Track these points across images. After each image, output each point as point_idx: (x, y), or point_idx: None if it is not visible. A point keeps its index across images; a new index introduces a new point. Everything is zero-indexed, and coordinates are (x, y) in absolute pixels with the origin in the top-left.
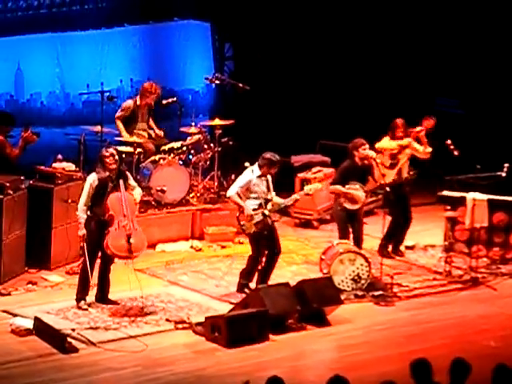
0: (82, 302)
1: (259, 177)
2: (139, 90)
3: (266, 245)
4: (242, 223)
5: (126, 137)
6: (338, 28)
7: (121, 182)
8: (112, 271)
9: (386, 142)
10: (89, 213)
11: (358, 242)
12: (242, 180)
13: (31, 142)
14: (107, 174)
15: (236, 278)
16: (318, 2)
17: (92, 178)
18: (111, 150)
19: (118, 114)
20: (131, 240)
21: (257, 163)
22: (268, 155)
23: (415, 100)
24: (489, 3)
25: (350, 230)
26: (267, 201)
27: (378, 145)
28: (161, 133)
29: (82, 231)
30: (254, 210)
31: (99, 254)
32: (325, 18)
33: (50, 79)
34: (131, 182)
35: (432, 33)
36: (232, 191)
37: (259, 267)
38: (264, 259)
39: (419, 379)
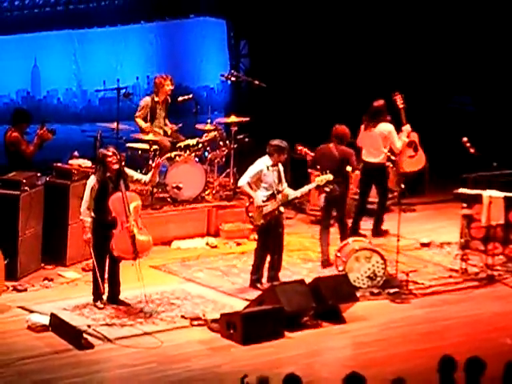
0: (98, 301)
1: (271, 166)
2: (154, 88)
3: (272, 238)
4: (250, 214)
5: (148, 135)
6: (355, 24)
7: (121, 182)
8: (125, 268)
9: (400, 140)
10: (93, 215)
11: (342, 225)
12: (253, 169)
13: (47, 139)
14: (107, 174)
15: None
16: (333, 2)
17: (92, 181)
18: (112, 149)
19: (138, 113)
20: (136, 240)
21: (267, 153)
22: (275, 141)
23: (429, 99)
24: (499, 3)
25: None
26: (278, 192)
27: (399, 145)
28: (173, 126)
29: (88, 235)
30: (264, 201)
31: (107, 254)
32: (340, 15)
33: (67, 76)
34: (136, 175)
35: (441, 32)
36: (243, 181)
37: (268, 262)
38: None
39: (444, 375)
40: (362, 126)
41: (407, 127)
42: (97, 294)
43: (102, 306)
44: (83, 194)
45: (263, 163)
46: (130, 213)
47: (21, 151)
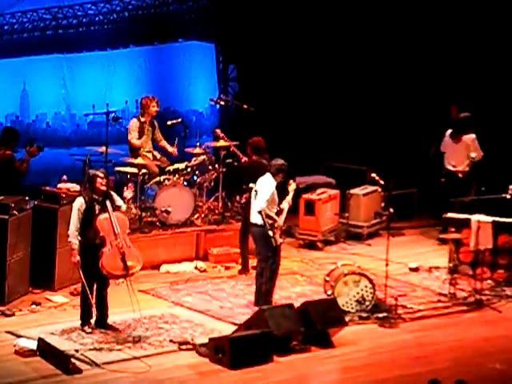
0: (86, 326)
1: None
2: (140, 109)
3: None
4: (272, 236)
5: (137, 159)
6: (342, 51)
7: (107, 202)
8: (115, 292)
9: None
10: (79, 238)
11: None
12: (268, 192)
13: (35, 156)
14: (94, 196)
15: (240, 299)
16: (321, 25)
17: (79, 203)
18: (102, 171)
19: (130, 135)
20: (126, 257)
21: (269, 173)
22: (280, 162)
23: (419, 123)
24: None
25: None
26: (278, 211)
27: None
28: (174, 150)
29: (77, 257)
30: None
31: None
32: (328, 41)
33: (56, 100)
34: (118, 201)
35: (434, 49)
36: (261, 205)
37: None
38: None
39: None
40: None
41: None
42: (85, 319)
43: (89, 330)
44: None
45: (272, 184)
46: (119, 231)
47: (15, 168)
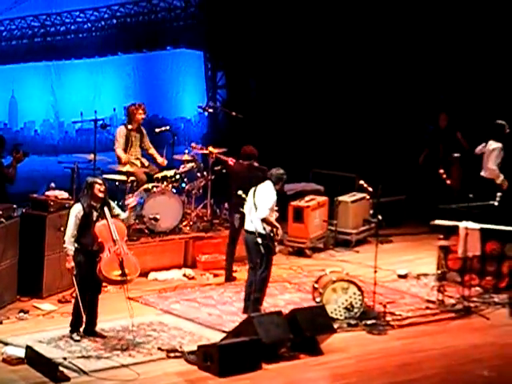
0: (75, 333)
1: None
2: (127, 116)
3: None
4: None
5: (125, 167)
6: (330, 59)
7: (105, 209)
8: (103, 300)
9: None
10: (76, 244)
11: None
12: (270, 200)
13: (21, 161)
14: (92, 203)
15: (229, 306)
16: (309, 33)
17: (77, 209)
18: (100, 178)
19: (117, 144)
20: (125, 263)
21: (271, 181)
22: (281, 171)
23: (407, 130)
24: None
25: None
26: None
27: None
28: (163, 161)
29: (71, 264)
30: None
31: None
32: (316, 48)
33: (44, 108)
34: (116, 210)
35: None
36: (265, 212)
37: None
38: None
39: None
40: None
41: None
42: (74, 326)
43: (78, 338)
44: (60, 225)
45: (273, 191)
46: (117, 238)
47: (3, 173)
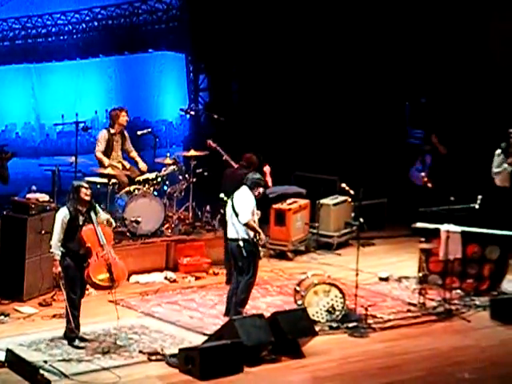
0: (77, 341)
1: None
2: (109, 120)
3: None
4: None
5: (107, 169)
6: (312, 64)
7: (92, 213)
8: (84, 303)
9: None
10: (62, 248)
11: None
12: (250, 204)
13: (9, 159)
14: (78, 207)
15: (210, 309)
16: (290, 37)
17: (63, 213)
18: (85, 181)
19: (97, 147)
20: (113, 268)
21: (247, 186)
22: (257, 175)
23: (388, 133)
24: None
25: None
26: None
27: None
28: (144, 166)
29: (58, 268)
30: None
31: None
32: (298, 52)
33: (25, 110)
34: (101, 215)
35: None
36: (247, 217)
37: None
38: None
39: None
40: None
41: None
42: (72, 332)
43: (82, 344)
44: (41, 227)
45: (251, 196)
46: (104, 242)
47: None
